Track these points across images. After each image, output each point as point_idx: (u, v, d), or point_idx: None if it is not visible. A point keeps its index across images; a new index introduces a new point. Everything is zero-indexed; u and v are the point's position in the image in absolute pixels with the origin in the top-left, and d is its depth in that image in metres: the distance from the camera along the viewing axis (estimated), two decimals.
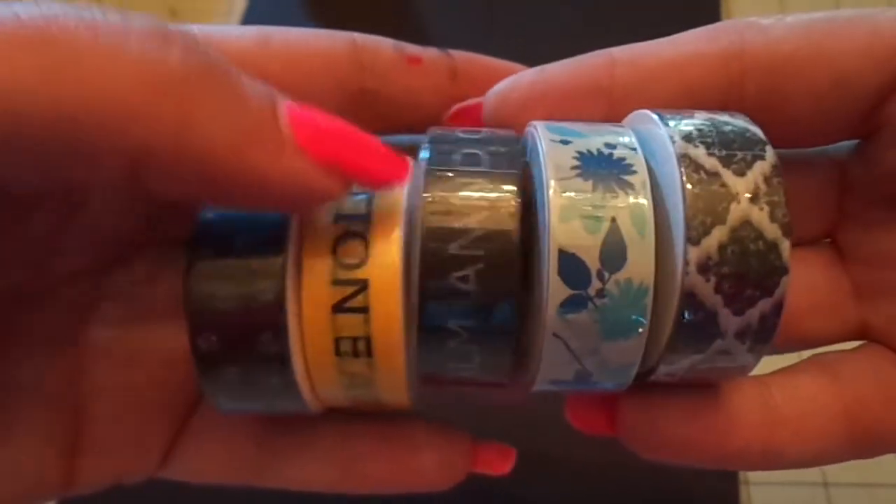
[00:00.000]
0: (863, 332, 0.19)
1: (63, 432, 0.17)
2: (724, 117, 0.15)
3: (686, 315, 0.14)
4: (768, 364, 0.17)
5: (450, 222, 0.14)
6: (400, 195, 0.15)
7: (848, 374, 0.18)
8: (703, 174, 0.14)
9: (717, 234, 0.14)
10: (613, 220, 0.14)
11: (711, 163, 0.14)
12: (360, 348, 0.15)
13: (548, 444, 0.28)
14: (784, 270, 0.14)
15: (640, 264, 0.14)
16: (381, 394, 0.16)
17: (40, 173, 0.12)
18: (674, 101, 0.16)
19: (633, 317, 0.14)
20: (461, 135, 0.16)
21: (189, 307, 0.14)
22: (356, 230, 0.15)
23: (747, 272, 0.14)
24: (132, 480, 0.19)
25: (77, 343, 0.17)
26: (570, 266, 0.14)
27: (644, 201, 0.14)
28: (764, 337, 0.14)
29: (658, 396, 0.17)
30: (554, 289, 0.14)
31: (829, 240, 0.20)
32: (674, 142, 0.14)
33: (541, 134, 0.15)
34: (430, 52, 0.18)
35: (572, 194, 0.14)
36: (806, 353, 0.19)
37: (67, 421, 0.17)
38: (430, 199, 0.14)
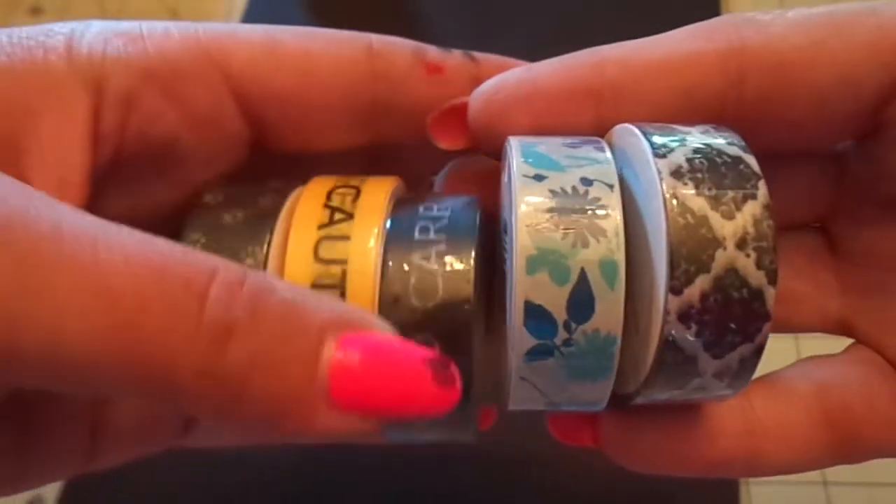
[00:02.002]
0: (845, 329, 0.19)
1: (83, 410, 0.18)
2: (719, 142, 0.14)
3: (665, 359, 0.14)
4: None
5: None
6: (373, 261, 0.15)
7: (832, 381, 0.17)
8: (689, 218, 0.13)
9: (700, 283, 0.13)
10: (583, 270, 0.13)
11: (699, 205, 0.13)
12: None
13: (546, 442, 0.28)
14: (767, 317, 0.13)
15: (608, 315, 0.14)
16: None
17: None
18: (669, 104, 0.16)
19: (600, 364, 0.14)
20: (419, 225, 0.16)
21: None
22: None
23: (729, 320, 0.13)
24: (154, 451, 0.19)
25: None
26: (537, 317, 0.14)
27: (616, 251, 0.14)
28: (742, 375, 0.14)
29: (639, 409, 0.17)
30: (519, 339, 0.14)
31: (818, 225, 0.19)
32: (661, 178, 0.14)
33: (515, 164, 0.15)
34: (452, 58, 0.17)
35: (541, 243, 0.14)
36: (804, 353, 0.19)
37: (87, 399, 0.18)
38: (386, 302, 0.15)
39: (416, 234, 0.15)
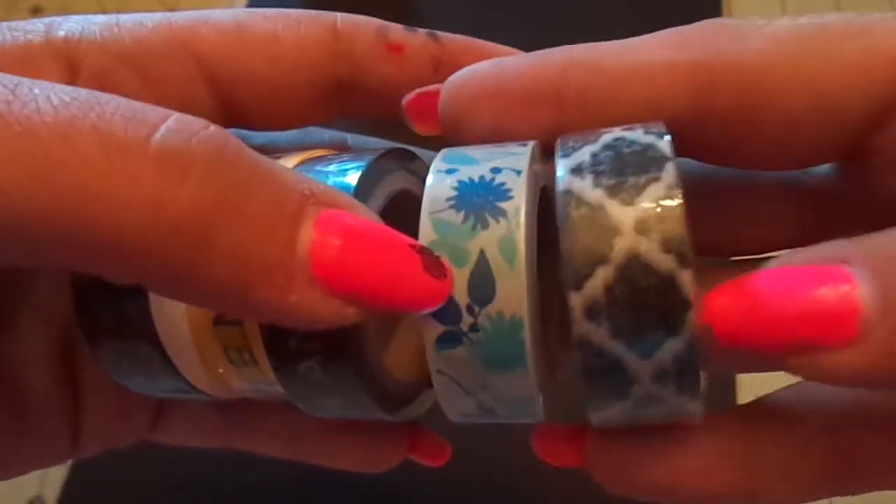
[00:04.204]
0: None
1: (66, 400, 0.19)
2: (635, 134, 0.14)
3: (589, 365, 0.13)
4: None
5: None
6: None
7: (837, 409, 0.16)
8: (584, 210, 0.13)
9: (602, 275, 0.12)
10: (482, 252, 0.13)
11: (596, 196, 0.13)
12: (246, 358, 0.16)
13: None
14: (686, 304, 0.12)
15: (510, 296, 0.13)
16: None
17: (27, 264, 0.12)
18: (633, 113, 0.15)
19: (512, 350, 0.14)
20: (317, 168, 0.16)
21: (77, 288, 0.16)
22: None
23: (642, 312, 0.12)
24: (126, 444, 0.20)
25: (67, 320, 0.19)
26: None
27: (516, 230, 0.13)
28: (688, 379, 0.13)
29: (629, 432, 0.16)
30: (426, 326, 0.14)
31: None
32: (560, 177, 0.13)
33: (433, 166, 0.15)
34: (415, 39, 0.17)
35: (441, 228, 0.14)
36: None
37: (68, 389, 0.19)
38: None
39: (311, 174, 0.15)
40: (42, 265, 0.12)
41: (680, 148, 0.14)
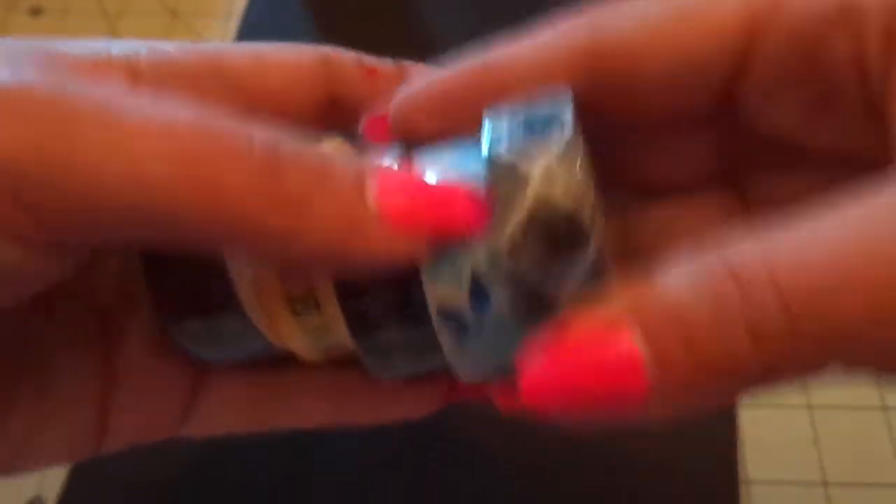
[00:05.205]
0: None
1: (96, 389, 0.19)
2: (541, 100, 0.17)
3: (513, 295, 0.15)
4: None
5: None
6: None
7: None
8: (503, 171, 0.15)
9: (517, 220, 0.15)
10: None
11: (510, 157, 0.16)
12: (310, 304, 0.18)
13: (546, 443, 0.28)
14: (587, 240, 0.15)
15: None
16: (346, 342, 0.18)
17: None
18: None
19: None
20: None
21: (151, 268, 0.18)
22: None
23: (552, 247, 0.15)
24: (157, 437, 0.21)
25: (107, 312, 0.20)
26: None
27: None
28: (596, 286, 0.15)
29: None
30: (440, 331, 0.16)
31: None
32: (486, 147, 0.16)
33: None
34: (384, 65, 0.21)
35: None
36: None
37: (99, 378, 0.19)
38: None
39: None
40: (169, 245, 0.15)
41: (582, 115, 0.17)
